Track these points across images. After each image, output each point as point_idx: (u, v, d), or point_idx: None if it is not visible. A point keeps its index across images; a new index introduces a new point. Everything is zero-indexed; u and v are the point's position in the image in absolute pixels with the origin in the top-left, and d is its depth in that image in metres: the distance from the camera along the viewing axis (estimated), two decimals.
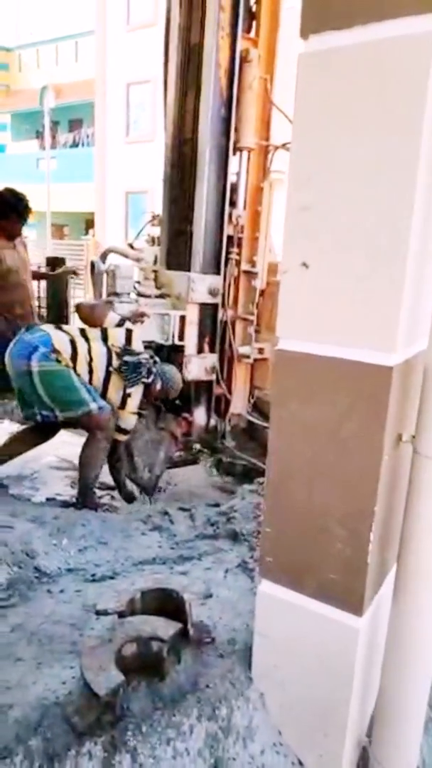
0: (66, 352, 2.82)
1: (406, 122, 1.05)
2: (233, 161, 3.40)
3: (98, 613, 1.75)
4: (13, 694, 1.44)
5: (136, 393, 3.02)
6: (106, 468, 3.59)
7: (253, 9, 3.41)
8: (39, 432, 3.16)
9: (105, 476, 3.64)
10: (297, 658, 1.37)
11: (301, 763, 1.37)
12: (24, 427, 3.30)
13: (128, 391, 2.97)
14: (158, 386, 3.12)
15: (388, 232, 1.11)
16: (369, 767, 1.36)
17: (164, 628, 1.43)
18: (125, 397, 2.98)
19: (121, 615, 1.55)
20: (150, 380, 3.05)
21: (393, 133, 1.07)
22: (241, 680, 1.44)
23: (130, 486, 3.36)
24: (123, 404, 3.00)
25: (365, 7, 1.08)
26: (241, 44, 3.25)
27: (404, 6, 1.03)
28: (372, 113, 1.09)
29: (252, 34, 3.42)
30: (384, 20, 1.05)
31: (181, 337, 3.31)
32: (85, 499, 3.01)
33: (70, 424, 3.11)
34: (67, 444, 3.61)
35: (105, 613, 1.70)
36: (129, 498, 3.31)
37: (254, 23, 3.43)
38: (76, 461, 3.05)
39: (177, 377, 3.25)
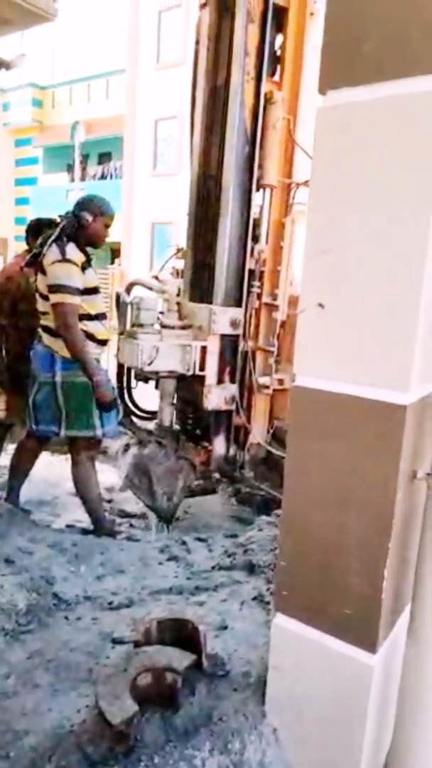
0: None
1: (422, 174, 1.10)
2: (256, 197, 3.49)
3: (114, 641, 1.78)
4: (29, 721, 1.46)
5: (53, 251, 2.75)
6: (126, 495, 3.64)
7: (278, 53, 3.54)
8: (32, 448, 3.21)
9: (124, 504, 3.68)
10: (311, 694, 1.36)
11: None
12: (14, 447, 3.35)
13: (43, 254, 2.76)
14: (88, 217, 2.86)
15: (403, 275, 1.15)
16: None
17: (179, 659, 1.45)
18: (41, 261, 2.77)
19: (137, 644, 1.57)
20: (66, 222, 2.83)
21: (408, 183, 1.12)
22: (254, 714, 1.44)
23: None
24: (43, 271, 2.77)
25: (381, 65, 1.14)
26: (265, 87, 3.37)
27: (419, 64, 1.09)
28: (388, 164, 1.14)
29: (276, 77, 3.54)
30: (399, 78, 1.11)
31: (202, 368, 3.36)
32: (100, 525, 3.04)
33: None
34: None
35: (121, 642, 1.72)
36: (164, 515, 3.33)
37: (278, 67, 3.56)
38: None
39: (96, 198, 2.97)
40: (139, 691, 1.39)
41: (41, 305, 2.87)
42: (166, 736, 1.34)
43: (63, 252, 2.75)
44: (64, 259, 2.75)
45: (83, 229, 2.88)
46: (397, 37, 1.12)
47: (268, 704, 1.46)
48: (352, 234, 1.20)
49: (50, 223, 3.39)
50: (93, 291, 2.92)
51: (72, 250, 2.78)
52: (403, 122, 1.11)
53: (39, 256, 2.81)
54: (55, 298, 2.76)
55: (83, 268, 2.82)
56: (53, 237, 2.80)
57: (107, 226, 2.99)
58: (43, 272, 2.79)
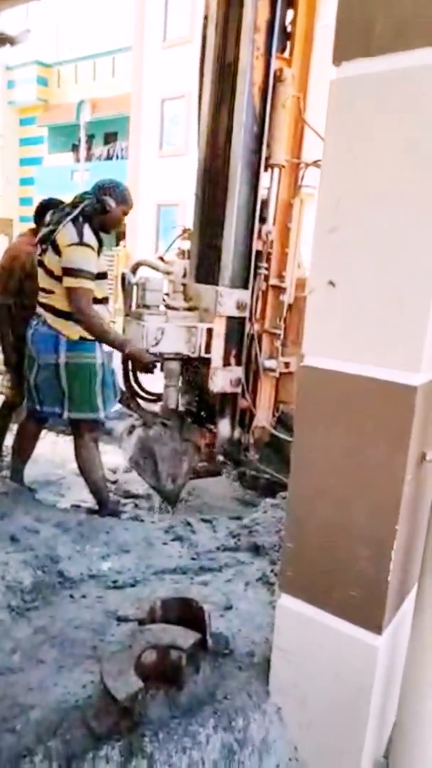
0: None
1: None
2: (264, 177, 3.44)
3: (119, 619, 1.79)
4: (35, 696, 1.47)
5: (70, 228, 2.71)
6: (131, 477, 3.65)
7: (288, 29, 3.47)
8: (32, 429, 3.21)
9: (129, 485, 3.69)
10: (315, 674, 1.37)
11: None
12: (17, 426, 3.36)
13: (58, 232, 2.71)
14: (112, 203, 2.84)
15: (416, 253, 1.12)
16: None
17: (183, 637, 1.45)
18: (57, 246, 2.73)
19: (141, 622, 1.57)
20: (87, 204, 2.79)
21: (423, 158, 1.09)
22: (258, 693, 1.45)
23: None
24: (57, 250, 2.73)
25: (396, 35, 1.10)
26: (275, 64, 3.31)
27: None
28: (403, 138, 1.11)
29: (286, 54, 3.47)
30: (415, 48, 1.08)
31: (208, 350, 3.34)
32: (104, 505, 3.05)
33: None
34: None
35: (126, 619, 1.73)
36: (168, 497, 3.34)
37: (288, 43, 3.48)
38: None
39: (121, 186, 2.94)
40: (143, 668, 1.39)
41: (47, 282, 2.83)
42: (170, 713, 1.35)
43: (81, 234, 2.71)
44: (82, 243, 2.71)
45: (104, 214, 2.85)
46: (415, 5, 1.08)
47: (272, 684, 1.47)
48: (364, 210, 1.17)
49: (59, 204, 3.36)
50: (102, 276, 2.90)
51: (88, 233, 2.75)
52: (420, 94, 1.08)
53: (53, 233, 2.77)
54: (70, 282, 2.72)
55: (98, 253, 2.81)
56: (71, 216, 2.76)
57: (125, 214, 2.98)
58: (56, 251, 2.75)
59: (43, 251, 2.82)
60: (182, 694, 1.40)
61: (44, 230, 2.86)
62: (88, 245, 2.73)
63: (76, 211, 2.78)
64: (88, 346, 2.83)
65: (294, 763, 1.40)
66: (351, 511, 1.26)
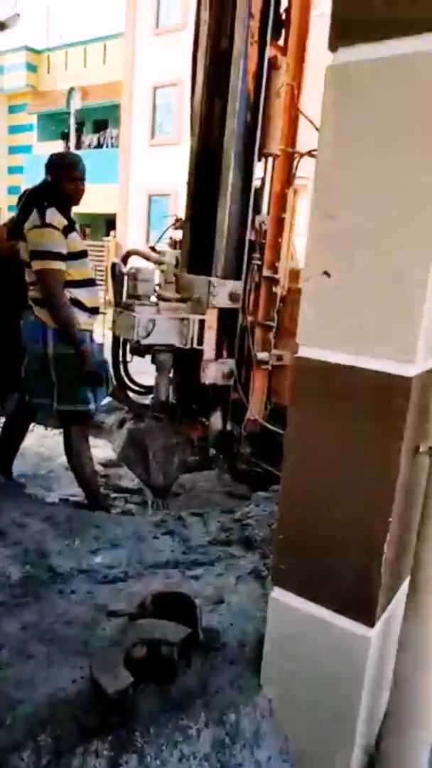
0: None
1: None
2: (258, 167, 3.41)
3: (109, 614, 1.77)
4: (24, 691, 1.45)
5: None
6: (121, 471, 3.63)
7: (283, 17, 3.42)
8: (22, 421, 3.18)
9: (120, 479, 3.67)
10: (307, 666, 1.36)
11: None
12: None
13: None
14: (49, 177, 2.82)
15: (412, 243, 1.11)
16: None
17: (174, 631, 1.44)
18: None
19: (132, 617, 1.56)
20: (34, 188, 2.82)
21: (419, 146, 1.07)
22: (250, 686, 1.44)
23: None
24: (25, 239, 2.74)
25: (394, 21, 1.08)
26: (269, 51, 3.26)
27: None
28: (400, 126, 1.09)
29: (281, 42, 3.42)
30: (413, 35, 1.06)
31: (200, 342, 3.31)
32: (94, 499, 3.02)
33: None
34: None
35: (116, 614, 1.71)
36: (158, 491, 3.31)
37: (283, 31, 3.43)
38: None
39: (54, 157, 2.92)
40: (134, 662, 1.38)
41: (28, 275, 2.79)
42: (161, 708, 1.34)
43: (42, 217, 2.66)
44: (44, 224, 2.66)
45: (53, 191, 2.79)
46: None
47: (264, 677, 1.46)
48: (361, 198, 1.15)
49: None
50: (79, 255, 2.81)
51: (52, 215, 2.68)
52: (418, 81, 1.05)
53: (20, 225, 2.73)
54: (37, 264, 2.68)
55: (66, 232, 2.72)
56: (22, 204, 2.76)
57: (74, 179, 2.84)
58: (25, 240, 2.72)
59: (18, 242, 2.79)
60: (173, 689, 1.39)
61: (12, 225, 2.83)
62: (50, 225, 2.66)
63: (25, 199, 2.78)
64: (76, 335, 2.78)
65: (285, 755, 1.39)
66: (344, 504, 1.25)
